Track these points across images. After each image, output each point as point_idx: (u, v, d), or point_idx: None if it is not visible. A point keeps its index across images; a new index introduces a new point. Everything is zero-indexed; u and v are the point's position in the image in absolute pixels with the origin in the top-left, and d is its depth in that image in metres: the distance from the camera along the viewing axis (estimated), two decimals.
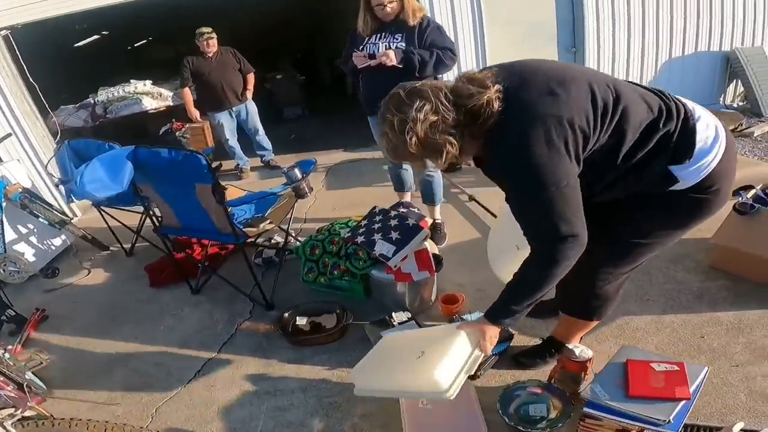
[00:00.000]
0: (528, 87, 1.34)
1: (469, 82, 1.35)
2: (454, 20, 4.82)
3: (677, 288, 2.38)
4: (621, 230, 1.58)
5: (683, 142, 1.39)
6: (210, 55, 4.73)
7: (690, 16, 5.23)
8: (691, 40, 5.35)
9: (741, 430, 1.45)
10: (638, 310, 2.27)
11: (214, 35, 4.67)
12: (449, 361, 1.46)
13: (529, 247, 1.46)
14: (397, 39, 2.74)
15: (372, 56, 2.73)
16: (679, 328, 2.13)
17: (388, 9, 2.68)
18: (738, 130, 4.72)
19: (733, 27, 5.37)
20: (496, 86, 1.33)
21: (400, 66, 2.66)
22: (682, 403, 1.42)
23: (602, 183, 1.46)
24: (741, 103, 5.58)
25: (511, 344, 2.14)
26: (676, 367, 1.52)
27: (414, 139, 1.32)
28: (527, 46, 5.20)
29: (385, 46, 2.74)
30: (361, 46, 2.81)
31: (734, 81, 5.61)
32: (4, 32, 4.26)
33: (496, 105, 1.31)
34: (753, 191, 2.48)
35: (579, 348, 1.74)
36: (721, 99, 5.67)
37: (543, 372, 1.96)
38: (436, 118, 1.31)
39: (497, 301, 1.53)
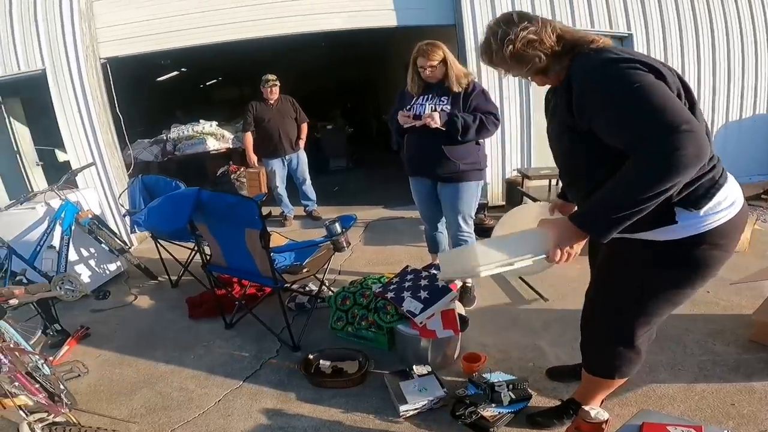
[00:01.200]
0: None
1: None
2: (500, 86, 4.95)
3: (712, 359, 2.27)
4: (625, 290, 1.57)
5: (702, 191, 1.36)
6: (272, 102, 5.00)
7: (748, 78, 5.09)
8: (749, 102, 5.18)
9: None
10: (668, 378, 2.18)
11: (277, 83, 4.96)
12: (505, 244, 1.48)
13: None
14: (443, 101, 2.82)
15: (417, 117, 2.81)
16: (710, 396, 2.04)
17: (428, 72, 2.79)
18: None
19: None
20: (595, 35, 1.45)
21: (443, 129, 2.74)
22: None
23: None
24: None
25: (529, 404, 2.09)
26: (693, 430, 1.44)
27: (510, 48, 1.46)
28: None
29: (431, 107, 2.82)
30: (408, 106, 2.91)
31: None
32: (102, 61, 4.63)
33: (598, 44, 1.42)
34: None
35: (595, 410, 1.68)
36: None
37: None
38: (535, 38, 1.44)
39: (587, 206, 1.39)
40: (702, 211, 1.37)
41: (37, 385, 1.84)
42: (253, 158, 5.27)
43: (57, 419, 1.64)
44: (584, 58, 1.40)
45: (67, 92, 4.53)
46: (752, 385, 2.07)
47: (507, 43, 1.46)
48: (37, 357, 2.03)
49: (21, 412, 1.49)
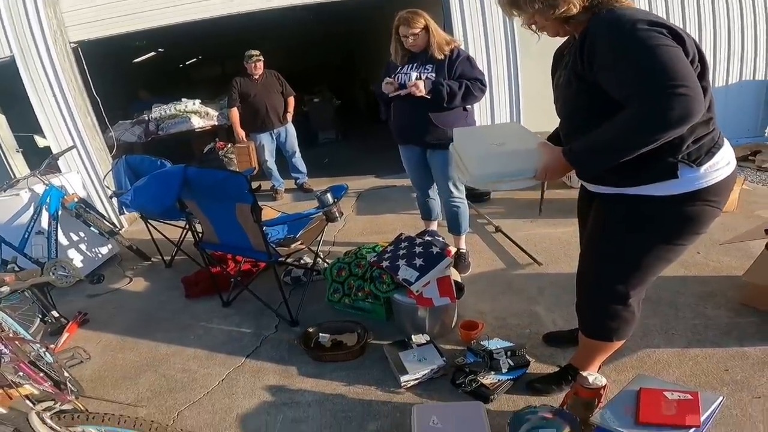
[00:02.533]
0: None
1: None
2: (487, 52, 4.89)
3: (705, 323, 2.32)
4: (618, 248, 1.60)
5: (704, 149, 1.41)
6: (256, 77, 4.96)
7: (734, 44, 5.09)
8: (735, 68, 5.20)
9: None
10: (662, 343, 2.23)
11: (261, 58, 4.92)
12: (502, 157, 1.59)
13: None
14: (427, 69, 2.80)
15: (402, 86, 2.80)
16: (703, 361, 2.08)
17: (411, 40, 2.76)
18: None
19: None
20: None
21: (429, 96, 2.72)
22: (692, 430, 1.39)
23: None
24: None
25: (527, 371, 2.14)
26: (690, 396, 1.50)
27: None
28: None
29: (416, 76, 2.80)
30: (393, 75, 2.90)
31: None
32: (73, 45, 4.54)
33: (623, 3, 1.38)
34: None
35: (593, 375, 1.73)
36: (766, 131, 5.47)
37: (556, 398, 1.95)
38: None
39: (578, 144, 1.46)
40: (702, 168, 1.41)
41: (42, 374, 1.84)
42: (241, 133, 5.26)
43: (64, 407, 1.64)
44: (609, 13, 1.37)
45: (39, 78, 4.43)
46: (744, 351, 2.11)
47: None
48: (39, 345, 2.02)
49: (28, 402, 1.49)
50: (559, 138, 1.79)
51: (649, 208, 1.49)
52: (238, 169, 5.83)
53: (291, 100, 5.21)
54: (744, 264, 2.42)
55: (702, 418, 1.42)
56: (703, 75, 1.35)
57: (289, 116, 5.22)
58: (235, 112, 5.15)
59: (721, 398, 1.52)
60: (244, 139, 5.35)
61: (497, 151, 1.64)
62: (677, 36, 1.30)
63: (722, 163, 1.44)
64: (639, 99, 1.27)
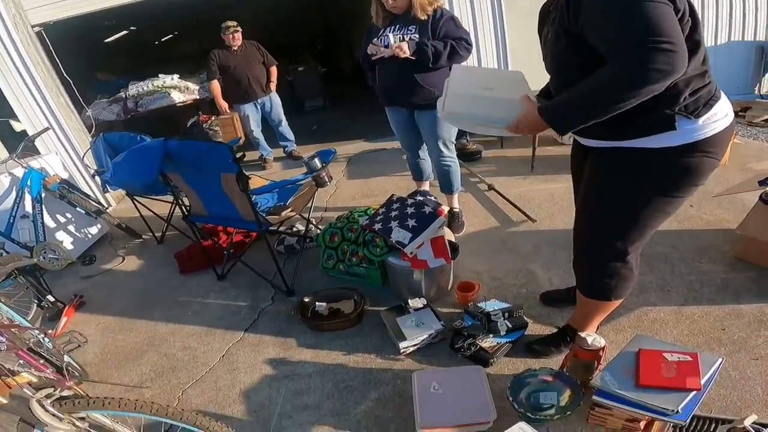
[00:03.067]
0: None
1: None
2: (473, 11, 4.75)
3: (700, 279, 2.33)
4: (615, 204, 1.58)
5: (703, 102, 1.38)
6: (235, 48, 4.84)
7: (722, 5, 5.03)
8: (723, 30, 5.17)
9: (753, 423, 1.43)
10: (658, 300, 2.24)
11: (239, 29, 4.79)
12: (478, 101, 1.60)
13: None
14: (410, 30, 2.72)
15: (386, 47, 2.72)
16: (700, 319, 2.10)
17: (391, 1, 2.68)
18: None
19: None
20: None
21: (414, 58, 2.65)
22: (693, 393, 1.41)
23: None
24: None
25: (525, 333, 2.16)
26: (689, 358, 1.50)
27: None
28: None
29: (399, 38, 2.72)
30: (376, 38, 2.81)
31: None
32: (37, 29, 4.40)
33: None
34: None
35: (592, 336, 1.74)
36: (756, 89, 5.47)
37: (555, 360, 1.97)
38: None
39: (556, 101, 1.44)
40: (701, 120, 1.39)
41: (42, 361, 1.82)
42: (223, 105, 5.17)
43: (65, 393, 1.63)
44: None
45: (5, 63, 4.26)
46: (740, 308, 2.11)
47: None
48: (37, 332, 2.00)
49: (27, 390, 1.47)
50: (550, 93, 1.74)
51: (647, 161, 1.47)
52: (223, 141, 5.74)
53: (273, 70, 5.10)
54: (737, 217, 2.42)
55: (702, 381, 1.43)
56: (695, 28, 1.33)
57: (272, 85, 5.12)
58: (215, 85, 5.04)
59: (720, 360, 1.53)
60: (227, 110, 5.27)
61: (477, 94, 1.61)
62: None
63: (720, 115, 1.42)
64: (621, 53, 1.24)
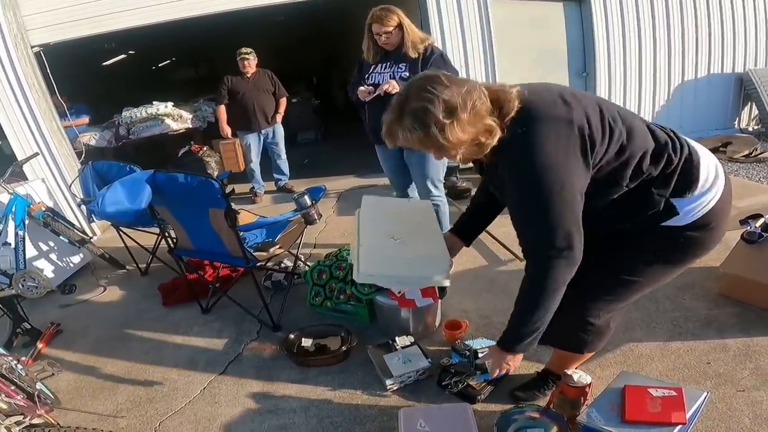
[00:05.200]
0: (540, 94, 1.37)
1: (493, 84, 1.39)
2: (464, 48, 4.90)
3: (684, 315, 2.36)
4: (614, 266, 1.57)
5: (686, 175, 1.41)
6: (248, 75, 4.90)
7: (702, 38, 5.23)
8: (703, 62, 5.35)
9: None
10: (644, 336, 2.25)
11: (252, 57, 4.85)
12: (390, 263, 1.66)
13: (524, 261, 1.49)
14: (401, 69, 2.77)
15: (376, 86, 2.77)
16: (685, 354, 2.11)
17: (384, 38, 2.73)
18: (753, 155, 4.66)
19: (746, 47, 5.35)
20: (516, 87, 1.36)
21: None
22: (678, 428, 1.41)
23: (605, 201, 1.44)
24: (756, 127, 5.52)
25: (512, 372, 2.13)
26: (674, 393, 1.51)
27: (461, 120, 1.27)
28: (538, 71, 5.26)
29: (390, 75, 2.78)
30: (367, 75, 2.86)
31: (749, 104, 5.56)
32: (36, 49, 4.39)
33: (516, 103, 1.32)
34: (762, 220, 2.47)
35: (578, 374, 1.73)
36: (736, 123, 5.62)
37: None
38: (480, 103, 1.29)
39: (506, 327, 1.56)
40: (697, 191, 1.41)
41: (13, 387, 1.77)
42: (227, 129, 5.13)
43: (35, 421, 1.58)
44: (513, 149, 1.34)
45: (0, 83, 4.25)
46: (726, 342, 2.14)
47: (454, 116, 1.31)
48: (10, 358, 1.94)
49: None
50: (467, 227, 1.88)
51: (655, 240, 1.49)
52: (216, 172, 5.74)
53: (282, 101, 5.14)
54: (720, 255, 2.46)
55: (688, 415, 1.43)
56: (612, 132, 1.35)
57: (279, 117, 5.15)
58: (222, 109, 5.06)
59: (705, 394, 1.54)
60: (229, 135, 5.21)
61: (394, 252, 1.65)
62: (583, 140, 1.30)
63: (711, 177, 1.43)
64: (526, 256, 1.47)
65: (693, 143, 1.50)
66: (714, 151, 4.89)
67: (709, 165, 1.46)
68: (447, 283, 1.71)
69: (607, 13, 5.04)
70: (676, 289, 2.53)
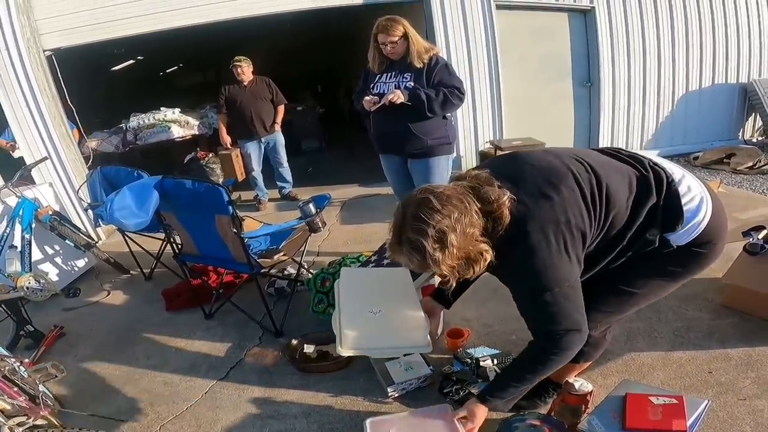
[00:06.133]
0: (521, 192, 1.37)
1: (486, 183, 1.37)
2: (469, 59, 4.94)
3: (687, 326, 2.36)
4: (613, 279, 1.57)
5: (671, 210, 1.42)
6: (245, 83, 4.90)
7: (706, 48, 5.23)
8: (707, 72, 5.35)
9: None
10: (646, 346, 2.25)
11: (246, 64, 4.84)
12: (371, 337, 1.74)
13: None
14: (406, 78, 2.79)
15: (381, 95, 2.79)
16: (687, 363, 2.11)
17: (389, 48, 2.76)
18: (756, 166, 4.66)
19: (750, 57, 5.35)
20: (508, 194, 1.35)
21: (409, 104, 2.71)
22: None
23: (602, 263, 1.50)
24: (760, 138, 5.51)
25: None
26: (675, 401, 1.51)
27: (452, 249, 1.30)
28: (541, 81, 5.29)
29: (395, 85, 2.79)
30: (372, 85, 2.89)
31: (753, 114, 5.55)
32: (48, 53, 4.45)
33: (507, 217, 1.35)
34: (764, 232, 2.48)
35: (579, 382, 1.73)
36: (740, 134, 5.61)
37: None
38: (472, 227, 1.32)
39: (494, 379, 1.62)
40: (685, 219, 1.42)
41: (16, 389, 1.78)
42: (226, 139, 5.17)
43: (37, 422, 1.59)
44: (505, 256, 1.38)
45: (12, 87, 4.30)
46: (728, 352, 2.14)
47: (446, 244, 1.35)
48: (13, 360, 1.96)
49: (0, 417, 1.44)
50: (445, 293, 1.94)
51: (655, 256, 1.50)
52: (221, 179, 5.77)
53: (281, 109, 5.12)
54: (723, 266, 2.46)
55: (688, 423, 1.43)
56: (611, 200, 1.39)
57: (277, 125, 5.13)
58: (222, 119, 5.11)
59: (706, 402, 1.54)
60: (229, 144, 5.24)
61: (374, 325, 1.74)
62: (571, 234, 1.35)
63: (695, 194, 1.45)
64: (532, 334, 1.51)
65: (669, 166, 1.51)
66: (718, 162, 4.89)
67: (690, 187, 1.47)
68: (429, 349, 1.81)
69: (611, 23, 5.07)
70: (679, 299, 2.53)
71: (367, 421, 1.80)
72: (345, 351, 1.75)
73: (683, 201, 1.42)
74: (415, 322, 1.79)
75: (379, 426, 1.77)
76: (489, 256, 1.35)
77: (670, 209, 1.41)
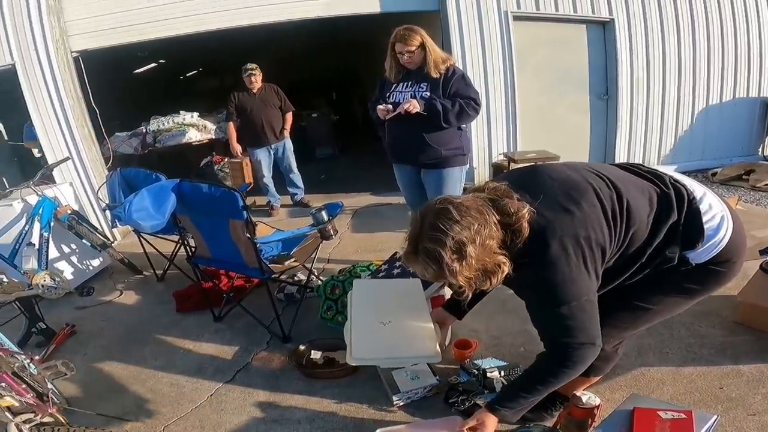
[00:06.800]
0: (541, 205, 1.35)
1: (506, 195, 1.36)
2: (485, 69, 4.94)
3: (699, 342, 2.32)
4: (628, 295, 1.55)
5: (692, 228, 1.40)
6: (254, 91, 4.95)
7: (728, 61, 5.15)
8: (728, 86, 5.26)
9: None
10: (656, 362, 2.21)
11: (258, 72, 4.90)
12: (381, 347, 1.74)
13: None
14: (422, 88, 2.80)
15: (396, 104, 2.80)
16: (698, 379, 2.08)
17: (407, 57, 2.77)
18: None
19: None
20: (528, 207, 1.33)
21: (425, 113, 2.72)
22: None
23: (619, 279, 1.48)
24: None
25: None
26: (684, 415, 1.48)
27: (470, 260, 1.29)
28: (557, 93, 5.26)
29: (411, 94, 2.80)
30: (388, 94, 2.90)
31: None
32: (75, 55, 4.56)
33: (527, 231, 1.33)
34: None
35: (587, 395, 1.71)
36: (760, 149, 5.50)
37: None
38: (490, 240, 1.30)
39: (504, 390, 1.60)
40: (705, 237, 1.40)
41: (24, 385, 1.80)
42: (237, 148, 5.22)
43: (45, 419, 1.61)
44: (531, 268, 1.37)
45: (39, 87, 4.44)
46: (739, 368, 2.10)
47: (465, 255, 1.33)
48: (24, 357, 1.98)
49: (7, 414, 1.45)
50: (458, 304, 1.94)
51: (673, 272, 1.48)
52: (232, 184, 5.83)
53: (289, 116, 5.18)
54: (738, 284, 2.42)
55: None
56: (631, 217, 1.38)
57: (286, 132, 5.19)
58: (231, 127, 5.13)
59: (715, 417, 1.50)
60: (239, 154, 5.31)
61: (383, 335, 1.75)
62: (591, 250, 1.33)
63: (717, 213, 1.43)
64: (544, 345, 1.48)
65: (689, 183, 1.49)
66: (737, 178, 4.80)
67: (711, 204, 1.45)
68: (438, 359, 1.80)
69: (631, 35, 5.03)
70: (692, 316, 2.48)
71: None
72: (354, 360, 1.74)
73: (704, 219, 1.40)
74: (424, 333, 1.79)
75: None
76: (506, 268, 1.34)
77: (691, 227, 1.39)
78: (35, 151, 5.07)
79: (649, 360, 2.23)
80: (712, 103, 5.30)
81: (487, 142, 5.21)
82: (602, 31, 5.16)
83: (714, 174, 5.07)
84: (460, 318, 2.06)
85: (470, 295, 1.44)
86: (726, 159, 5.30)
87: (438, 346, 1.85)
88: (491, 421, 1.55)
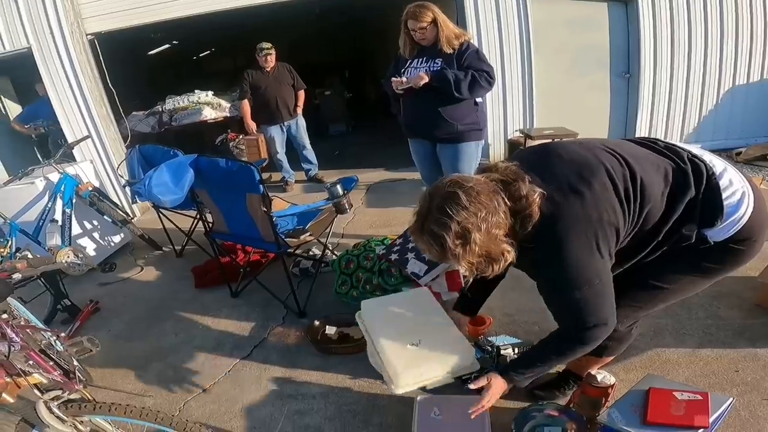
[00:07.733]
0: (551, 187, 1.33)
1: (518, 177, 1.32)
2: (501, 46, 4.84)
3: (717, 324, 2.28)
4: (644, 274, 1.53)
5: (710, 204, 1.36)
6: (268, 69, 4.97)
7: (757, 40, 4.95)
8: (757, 65, 5.06)
9: None
10: (673, 343, 2.19)
11: (273, 51, 4.92)
12: (423, 370, 1.66)
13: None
14: (437, 64, 2.77)
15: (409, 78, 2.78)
16: (713, 361, 2.06)
17: (419, 34, 2.75)
18: None
19: None
20: (539, 191, 1.31)
21: (436, 85, 2.70)
22: (700, 431, 1.37)
23: (635, 259, 1.46)
24: None
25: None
26: (699, 397, 1.47)
27: (474, 246, 1.28)
28: (577, 71, 5.13)
29: (425, 70, 2.78)
30: (403, 70, 2.88)
31: None
32: (90, 37, 4.62)
33: (537, 215, 1.30)
34: None
35: (602, 374, 1.71)
36: None
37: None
38: (497, 228, 1.29)
39: (517, 357, 1.58)
40: (725, 215, 1.36)
41: (52, 363, 1.84)
42: (252, 125, 5.29)
43: (72, 396, 1.65)
44: (542, 248, 1.35)
45: (56, 69, 4.52)
46: (756, 352, 2.07)
47: (469, 241, 1.33)
48: (50, 334, 2.03)
49: (36, 391, 1.50)
50: (469, 302, 1.94)
51: (689, 250, 1.44)
52: (248, 160, 5.87)
53: (301, 94, 5.23)
54: (759, 265, 2.35)
55: (711, 419, 1.39)
56: (645, 195, 1.34)
57: (299, 109, 5.24)
58: (246, 105, 5.18)
59: (731, 399, 1.49)
60: (254, 131, 5.38)
61: (419, 357, 1.72)
62: (603, 231, 1.30)
63: (737, 189, 1.38)
64: (559, 323, 1.48)
65: (709, 157, 1.44)
66: (761, 158, 4.67)
67: (732, 180, 1.39)
68: (477, 367, 1.80)
69: (655, 13, 4.84)
70: (711, 297, 2.44)
71: (417, 399, 1.90)
72: (401, 390, 1.72)
73: (724, 195, 1.35)
74: (457, 345, 1.78)
75: (426, 403, 1.89)
76: (510, 257, 1.33)
77: (710, 204, 1.35)
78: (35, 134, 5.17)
79: (666, 341, 2.21)
80: (739, 83, 5.12)
81: (503, 118, 5.14)
82: (624, 9, 5.00)
83: (738, 153, 4.94)
84: (473, 316, 2.06)
85: (470, 279, 1.45)
86: (751, 139, 5.14)
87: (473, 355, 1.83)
88: (499, 383, 1.56)
